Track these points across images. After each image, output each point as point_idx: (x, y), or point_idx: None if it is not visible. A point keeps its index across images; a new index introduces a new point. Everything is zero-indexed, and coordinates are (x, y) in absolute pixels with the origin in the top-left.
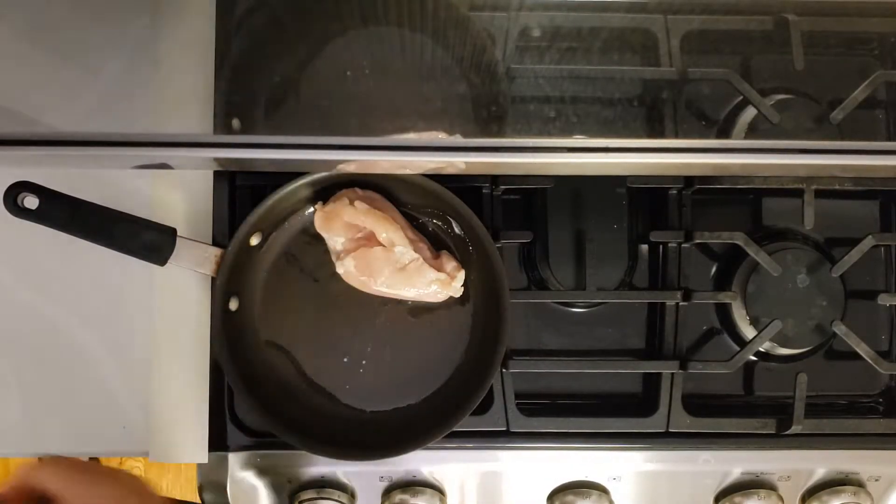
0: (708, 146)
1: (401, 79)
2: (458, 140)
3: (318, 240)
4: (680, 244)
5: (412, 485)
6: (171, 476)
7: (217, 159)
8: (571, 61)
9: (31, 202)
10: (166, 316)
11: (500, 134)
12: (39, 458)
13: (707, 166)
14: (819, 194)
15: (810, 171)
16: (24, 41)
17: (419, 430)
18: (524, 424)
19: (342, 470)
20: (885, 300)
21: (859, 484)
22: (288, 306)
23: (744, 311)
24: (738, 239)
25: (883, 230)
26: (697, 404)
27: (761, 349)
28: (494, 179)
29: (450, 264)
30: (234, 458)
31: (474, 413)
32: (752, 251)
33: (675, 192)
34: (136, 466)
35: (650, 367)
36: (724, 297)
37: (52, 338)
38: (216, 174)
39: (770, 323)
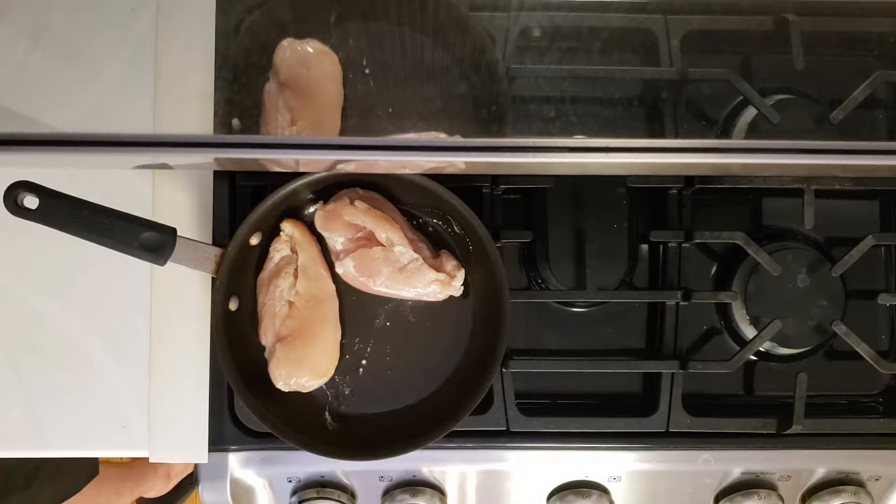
0: (708, 146)
1: (401, 78)
2: (458, 140)
3: (319, 240)
4: (680, 244)
5: (412, 485)
6: None
7: (217, 159)
8: (571, 61)
9: (31, 202)
10: (166, 316)
11: (500, 134)
12: None
13: (707, 166)
14: (819, 194)
15: (810, 171)
16: (24, 41)
17: (419, 430)
18: (524, 424)
19: (342, 470)
20: (885, 300)
21: (859, 484)
22: None
23: (744, 311)
24: (739, 239)
25: (883, 230)
26: (697, 404)
27: (761, 349)
28: (494, 179)
29: (449, 264)
30: (234, 458)
31: (474, 413)
32: (753, 251)
33: (675, 192)
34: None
35: (650, 367)
36: (724, 297)
37: (52, 338)
38: (216, 174)
39: (770, 323)
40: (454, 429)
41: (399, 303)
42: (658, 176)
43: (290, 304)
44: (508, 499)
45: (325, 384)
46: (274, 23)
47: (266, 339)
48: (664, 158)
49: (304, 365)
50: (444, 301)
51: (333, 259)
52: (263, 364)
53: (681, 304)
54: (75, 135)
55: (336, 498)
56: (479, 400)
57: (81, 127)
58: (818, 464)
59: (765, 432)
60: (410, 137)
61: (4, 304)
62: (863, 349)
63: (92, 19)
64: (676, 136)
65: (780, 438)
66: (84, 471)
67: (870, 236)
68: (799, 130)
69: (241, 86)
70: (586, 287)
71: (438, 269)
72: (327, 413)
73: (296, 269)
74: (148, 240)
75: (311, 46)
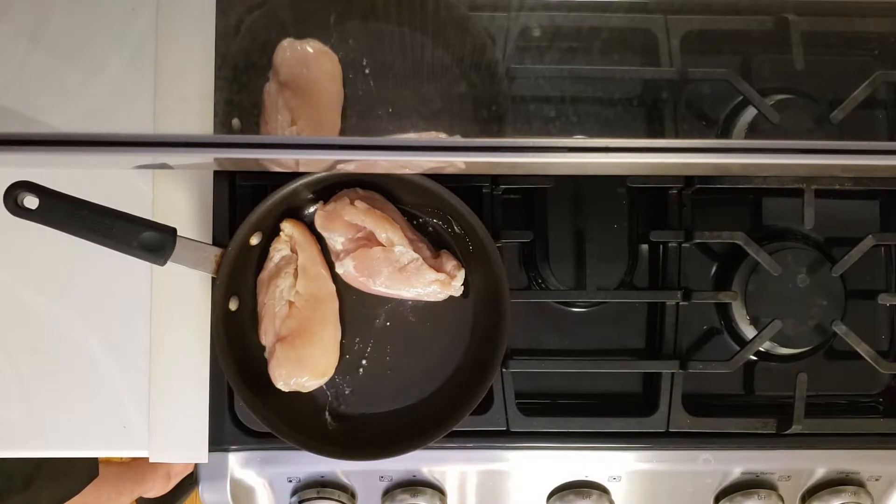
0: (708, 146)
1: (401, 78)
2: (458, 140)
3: (319, 240)
4: (680, 244)
5: (412, 485)
6: None
7: (217, 159)
8: (571, 61)
9: (31, 202)
10: (166, 316)
11: (500, 134)
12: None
13: (707, 166)
14: (819, 194)
15: (810, 171)
16: (24, 41)
17: (419, 430)
18: (524, 424)
19: (342, 470)
20: (885, 300)
21: (859, 483)
22: None
23: (744, 311)
24: (739, 239)
25: (883, 230)
26: (697, 404)
27: (761, 349)
28: (494, 179)
29: (449, 263)
30: (234, 458)
31: (474, 413)
32: (753, 251)
33: (675, 192)
34: None
35: (650, 367)
36: (724, 297)
37: (52, 338)
38: (216, 174)
39: (770, 323)
40: (454, 429)
41: (399, 303)
42: (658, 176)
43: (290, 304)
44: (508, 499)
45: (325, 384)
46: (274, 23)
47: (266, 339)
48: (664, 158)
49: (304, 365)
50: (444, 301)
51: (333, 259)
52: (263, 364)
53: (681, 304)
54: (75, 135)
55: (336, 498)
56: (479, 400)
57: (81, 127)
58: (818, 464)
59: (765, 432)
60: (410, 137)
61: (4, 304)
62: (863, 349)
63: (92, 19)
64: (676, 136)
65: (780, 438)
66: (84, 471)
67: (870, 236)
68: (799, 130)
69: (241, 86)
70: (586, 287)
71: (438, 269)
72: (327, 413)
73: (296, 269)
74: (148, 240)
75: (311, 46)
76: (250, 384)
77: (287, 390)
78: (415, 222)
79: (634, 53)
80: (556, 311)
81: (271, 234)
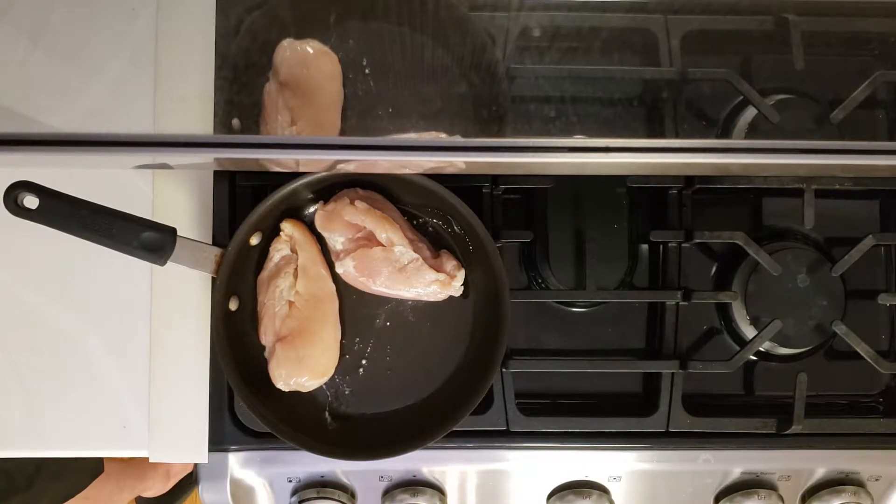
0: (708, 146)
1: (401, 78)
2: (458, 140)
3: (319, 240)
4: (680, 244)
5: (412, 485)
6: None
7: (217, 159)
8: (571, 61)
9: (31, 202)
10: (166, 316)
11: (500, 134)
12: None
13: (707, 166)
14: (819, 194)
15: (810, 171)
16: (24, 41)
17: (419, 430)
18: (524, 424)
19: (342, 470)
20: (885, 300)
21: (859, 483)
22: None
23: (744, 311)
24: (739, 239)
25: (883, 230)
26: (697, 404)
27: (761, 349)
28: (494, 179)
29: (449, 264)
30: (234, 458)
31: (474, 413)
32: (753, 251)
33: (675, 192)
34: None
35: (650, 367)
36: (724, 297)
37: (52, 338)
38: (216, 174)
39: (770, 323)
40: (454, 429)
41: (399, 303)
42: (658, 176)
43: (290, 303)
44: (508, 499)
45: (325, 384)
46: (274, 23)
47: (266, 338)
48: (664, 158)
49: (304, 365)
50: (444, 301)
51: (333, 259)
52: (263, 364)
53: (681, 304)
54: (75, 135)
55: (336, 498)
56: (479, 400)
57: (81, 127)
58: (818, 464)
59: (765, 432)
60: (410, 137)
61: (4, 304)
62: (863, 349)
63: (92, 19)
64: (676, 136)
65: (780, 438)
66: (87, 471)
67: (870, 236)
68: (799, 130)
69: (241, 86)
70: (586, 287)
71: (438, 269)
72: (327, 413)
73: (296, 269)
74: (148, 240)
75: (311, 46)
76: (250, 384)
77: (287, 390)
78: (415, 222)
79: (634, 53)
80: (556, 311)
81: (271, 234)
